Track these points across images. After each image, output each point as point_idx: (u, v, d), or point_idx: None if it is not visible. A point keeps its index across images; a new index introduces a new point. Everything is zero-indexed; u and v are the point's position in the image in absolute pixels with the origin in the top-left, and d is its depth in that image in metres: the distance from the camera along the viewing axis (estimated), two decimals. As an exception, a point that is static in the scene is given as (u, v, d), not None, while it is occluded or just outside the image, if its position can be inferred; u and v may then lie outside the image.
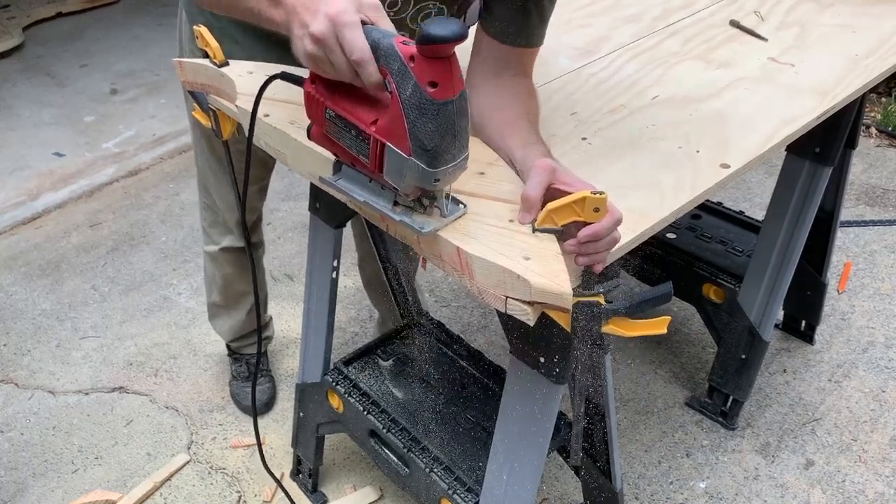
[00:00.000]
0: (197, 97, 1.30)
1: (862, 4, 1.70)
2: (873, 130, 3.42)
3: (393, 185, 0.92)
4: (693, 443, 2.03)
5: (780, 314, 2.31)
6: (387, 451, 1.58)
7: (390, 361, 1.73)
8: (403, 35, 0.84)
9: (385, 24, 0.87)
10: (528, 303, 0.90)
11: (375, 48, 0.84)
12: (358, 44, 0.84)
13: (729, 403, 2.06)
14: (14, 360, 2.28)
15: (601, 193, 0.88)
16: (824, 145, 1.70)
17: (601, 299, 0.93)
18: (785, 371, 2.23)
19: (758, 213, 2.53)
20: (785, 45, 1.53)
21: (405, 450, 1.52)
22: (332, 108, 0.94)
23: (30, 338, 2.35)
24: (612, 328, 0.94)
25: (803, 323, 2.31)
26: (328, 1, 0.85)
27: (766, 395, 2.16)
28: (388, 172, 0.90)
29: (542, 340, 1.09)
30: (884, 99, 3.59)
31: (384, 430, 1.55)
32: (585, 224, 0.91)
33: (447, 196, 0.97)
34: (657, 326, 0.93)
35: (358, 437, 1.65)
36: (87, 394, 2.16)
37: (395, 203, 0.98)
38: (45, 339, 2.35)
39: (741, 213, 2.24)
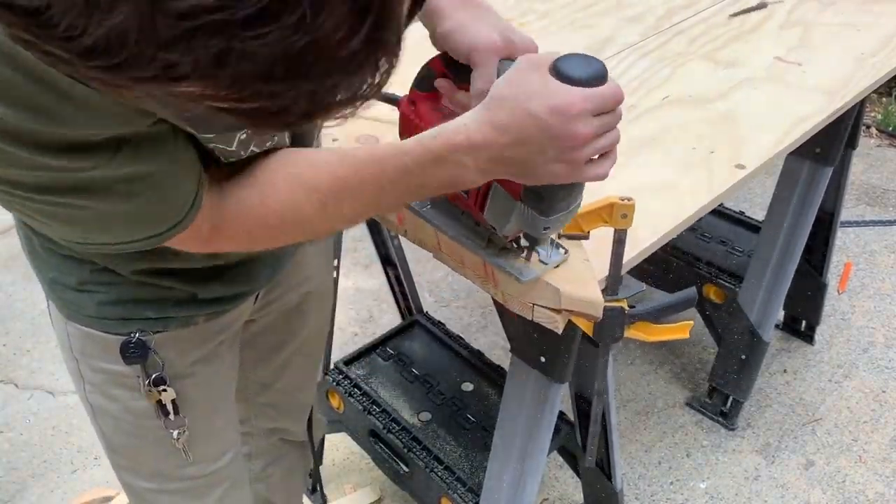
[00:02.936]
0: None
1: (864, 3, 1.70)
2: (874, 130, 3.42)
3: (492, 226, 0.85)
4: (693, 443, 2.03)
5: (781, 314, 2.30)
6: (387, 450, 1.58)
7: (390, 361, 1.73)
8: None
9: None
10: (556, 310, 0.89)
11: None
12: None
13: (729, 404, 2.06)
14: (14, 360, 2.27)
15: (629, 200, 0.86)
16: (825, 145, 1.70)
17: (625, 304, 0.92)
18: (785, 371, 2.23)
19: (758, 213, 2.52)
20: (790, 44, 1.53)
21: (405, 449, 1.52)
22: None
23: (29, 338, 2.35)
24: (634, 333, 0.93)
25: (803, 323, 2.31)
26: None
27: (767, 396, 2.16)
28: (491, 213, 0.82)
29: (543, 340, 1.09)
30: (884, 99, 3.59)
31: (384, 430, 1.55)
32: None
33: (550, 241, 0.89)
34: (679, 331, 0.92)
35: (358, 436, 1.65)
36: (86, 394, 2.16)
37: (489, 241, 0.91)
38: (44, 339, 2.34)
39: (741, 213, 2.24)
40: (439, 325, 1.82)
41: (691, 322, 0.92)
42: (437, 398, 1.62)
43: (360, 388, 1.63)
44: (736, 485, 1.92)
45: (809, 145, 1.71)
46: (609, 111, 0.69)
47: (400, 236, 1.26)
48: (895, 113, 3.42)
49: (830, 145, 1.70)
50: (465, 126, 0.69)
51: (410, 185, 0.72)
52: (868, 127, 3.42)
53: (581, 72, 0.67)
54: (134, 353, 0.87)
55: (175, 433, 0.94)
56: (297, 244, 0.99)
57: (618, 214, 0.87)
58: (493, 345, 2.31)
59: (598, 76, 0.68)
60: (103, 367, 0.91)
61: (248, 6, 0.35)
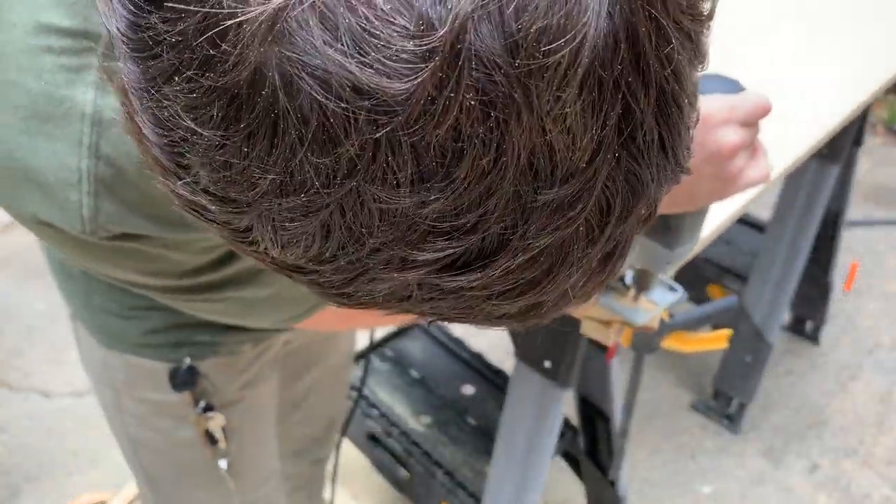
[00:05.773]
0: None
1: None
2: (880, 128, 3.39)
3: None
4: (698, 446, 2.01)
5: (786, 315, 2.28)
6: (386, 455, 1.56)
7: (389, 364, 1.70)
8: None
9: None
10: (608, 323, 0.84)
11: None
12: None
13: (734, 406, 2.03)
14: (7, 361, 2.25)
15: None
16: (832, 143, 1.67)
17: (665, 314, 0.87)
18: (790, 373, 2.21)
19: (762, 212, 2.50)
20: (800, 40, 1.50)
21: (405, 454, 1.49)
22: None
23: (24, 339, 2.32)
24: (670, 343, 0.90)
25: (809, 324, 2.28)
26: None
27: (772, 398, 2.13)
28: None
29: (548, 344, 1.07)
30: (890, 97, 3.56)
31: (383, 434, 1.53)
32: None
33: (663, 281, 0.82)
34: (717, 341, 0.89)
35: (357, 440, 1.63)
36: (81, 396, 2.13)
37: None
38: (39, 340, 2.32)
39: (746, 212, 2.21)
40: (439, 326, 1.80)
41: (729, 331, 0.88)
42: (437, 401, 1.60)
43: (358, 391, 1.61)
44: (741, 488, 1.89)
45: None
46: (752, 123, 0.64)
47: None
48: (900, 111, 3.40)
49: (837, 143, 1.68)
50: None
51: None
52: (874, 125, 3.39)
53: (721, 86, 0.64)
54: (184, 379, 0.83)
55: (223, 462, 0.91)
56: None
57: None
58: (495, 347, 2.28)
59: (738, 90, 0.64)
60: (148, 396, 0.87)
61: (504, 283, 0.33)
